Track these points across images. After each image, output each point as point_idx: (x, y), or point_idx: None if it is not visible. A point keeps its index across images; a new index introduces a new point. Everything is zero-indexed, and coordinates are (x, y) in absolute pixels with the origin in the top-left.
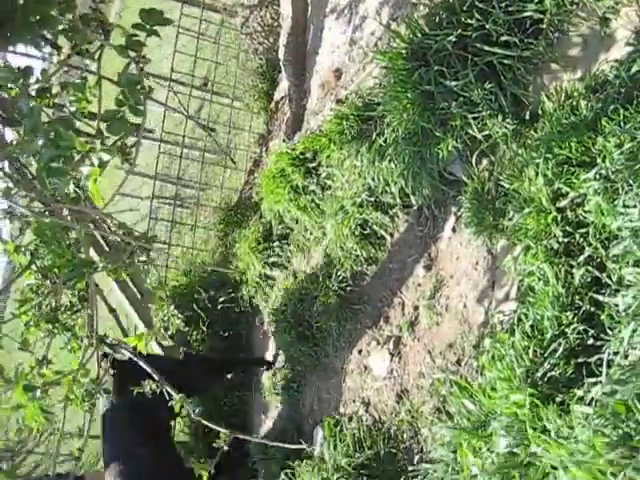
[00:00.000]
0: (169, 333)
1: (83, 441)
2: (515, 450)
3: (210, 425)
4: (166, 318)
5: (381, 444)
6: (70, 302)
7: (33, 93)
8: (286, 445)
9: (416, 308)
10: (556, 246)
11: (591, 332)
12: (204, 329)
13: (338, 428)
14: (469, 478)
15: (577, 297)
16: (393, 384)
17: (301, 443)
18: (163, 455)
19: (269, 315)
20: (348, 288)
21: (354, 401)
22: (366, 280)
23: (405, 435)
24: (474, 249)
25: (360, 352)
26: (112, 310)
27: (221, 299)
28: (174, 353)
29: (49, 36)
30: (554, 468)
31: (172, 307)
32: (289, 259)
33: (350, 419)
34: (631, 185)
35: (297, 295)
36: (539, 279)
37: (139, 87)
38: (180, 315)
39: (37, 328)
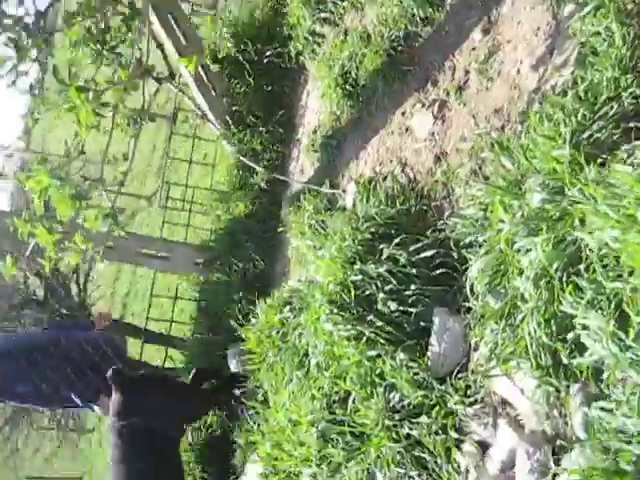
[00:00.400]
0: (220, 56)
1: (128, 164)
2: (547, 206)
3: (247, 162)
4: (217, 40)
5: (413, 201)
6: (118, 27)
7: None
8: (320, 188)
9: (467, 72)
10: (630, 6)
11: None
12: (250, 81)
13: (372, 185)
14: (496, 232)
15: None
16: (433, 146)
17: (334, 191)
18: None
19: (315, 71)
20: (399, 48)
21: (391, 161)
22: (419, 42)
23: (438, 195)
24: (538, 14)
25: (403, 114)
26: (159, 45)
27: (268, 53)
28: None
29: None
30: (582, 221)
31: (224, 30)
32: (341, 16)
33: (385, 178)
34: None
35: (346, 53)
36: (604, 40)
37: None
38: (232, 39)
39: (85, 48)
